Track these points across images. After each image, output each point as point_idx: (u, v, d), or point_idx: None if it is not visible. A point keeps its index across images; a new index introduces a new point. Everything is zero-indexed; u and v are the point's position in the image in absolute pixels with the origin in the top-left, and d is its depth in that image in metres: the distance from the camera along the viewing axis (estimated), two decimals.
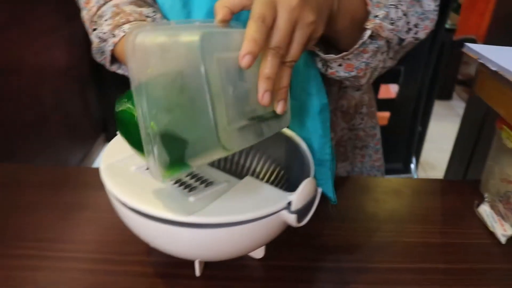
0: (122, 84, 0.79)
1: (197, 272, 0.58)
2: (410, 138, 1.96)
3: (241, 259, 0.62)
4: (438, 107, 2.76)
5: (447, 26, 1.95)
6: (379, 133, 0.98)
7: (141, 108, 0.44)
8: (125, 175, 0.55)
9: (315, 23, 0.51)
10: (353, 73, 0.65)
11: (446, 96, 3.41)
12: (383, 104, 1.71)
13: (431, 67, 1.87)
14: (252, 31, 0.45)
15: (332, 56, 0.63)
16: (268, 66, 0.47)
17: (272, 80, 0.47)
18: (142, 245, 0.64)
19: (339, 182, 0.81)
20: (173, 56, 0.43)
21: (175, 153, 0.44)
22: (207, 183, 0.54)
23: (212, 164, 0.60)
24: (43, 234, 0.66)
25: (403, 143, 1.95)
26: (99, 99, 2.54)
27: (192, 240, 0.50)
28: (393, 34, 0.63)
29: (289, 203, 0.50)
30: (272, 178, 0.64)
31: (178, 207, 0.49)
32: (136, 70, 0.44)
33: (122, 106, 0.50)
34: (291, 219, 0.50)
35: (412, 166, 1.99)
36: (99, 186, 0.73)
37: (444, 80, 2.61)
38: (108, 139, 2.72)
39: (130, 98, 0.50)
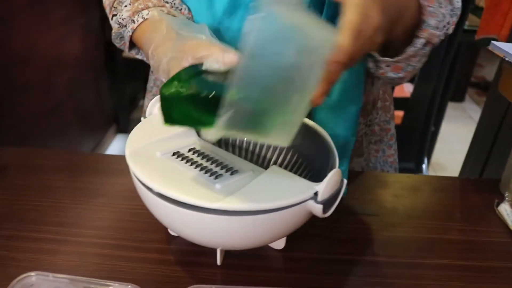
0: (134, 77, 0.79)
1: (219, 261, 0.58)
2: (422, 138, 1.95)
3: (262, 250, 0.62)
4: (450, 109, 2.74)
5: (465, 27, 1.93)
6: (393, 129, 0.97)
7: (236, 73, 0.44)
8: (150, 161, 0.54)
9: (381, 42, 0.53)
10: (400, 75, 0.68)
11: (459, 98, 3.38)
12: (397, 103, 1.69)
13: (446, 68, 1.86)
14: (330, 75, 0.47)
15: (387, 59, 0.66)
16: (334, 75, 0.48)
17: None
18: (161, 233, 0.64)
19: (357, 177, 0.81)
20: (300, 47, 0.44)
21: (241, 123, 0.46)
22: (232, 171, 0.54)
23: (236, 155, 0.60)
24: (61, 219, 0.66)
25: (416, 142, 1.94)
26: (112, 90, 2.55)
27: (218, 227, 0.49)
28: (439, 39, 0.65)
29: (316, 193, 0.50)
30: (295, 169, 0.63)
31: (205, 194, 0.49)
32: (254, 40, 0.43)
33: (170, 88, 0.50)
34: (317, 209, 0.49)
35: (424, 166, 1.98)
36: (115, 173, 0.74)
37: (457, 82, 2.59)
38: (119, 129, 2.72)
39: (179, 80, 0.51)
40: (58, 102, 2.02)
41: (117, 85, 2.55)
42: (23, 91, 1.72)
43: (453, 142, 2.40)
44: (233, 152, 0.68)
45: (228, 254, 0.60)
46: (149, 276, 0.58)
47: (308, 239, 0.65)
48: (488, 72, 3.68)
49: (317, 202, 0.49)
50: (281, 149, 0.67)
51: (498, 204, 0.73)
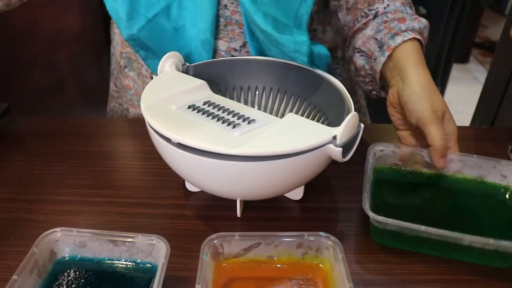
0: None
1: (238, 213, 0.58)
2: None
3: (280, 201, 0.62)
4: (455, 70, 2.71)
5: None
6: None
7: None
8: (166, 114, 0.54)
9: None
10: None
11: (463, 59, 3.35)
12: None
13: (451, 29, 1.84)
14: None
15: None
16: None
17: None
18: (179, 190, 0.64)
19: (376, 130, 0.81)
20: None
21: None
22: (249, 120, 0.54)
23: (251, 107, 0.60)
24: (79, 181, 0.67)
25: None
26: None
27: (238, 174, 0.49)
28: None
29: (335, 137, 0.49)
30: (311, 118, 0.63)
31: (225, 141, 0.49)
32: None
33: None
34: (337, 153, 0.49)
35: None
36: (125, 136, 0.74)
37: (461, 43, 2.56)
38: None
39: None
40: (61, 78, 2.01)
41: None
42: (26, 67, 1.71)
43: (459, 103, 2.38)
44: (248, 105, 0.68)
45: (247, 207, 0.61)
46: (170, 230, 0.58)
47: (326, 189, 0.65)
48: (492, 32, 3.63)
49: (336, 146, 0.49)
50: (295, 101, 0.67)
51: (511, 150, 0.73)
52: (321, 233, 0.47)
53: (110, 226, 0.59)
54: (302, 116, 0.64)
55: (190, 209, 0.61)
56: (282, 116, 0.66)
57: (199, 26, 0.70)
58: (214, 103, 0.58)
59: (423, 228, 0.49)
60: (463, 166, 0.61)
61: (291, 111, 0.67)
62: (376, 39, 0.66)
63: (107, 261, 0.49)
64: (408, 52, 0.63)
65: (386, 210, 0.53)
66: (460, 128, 0.83)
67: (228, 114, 0.55)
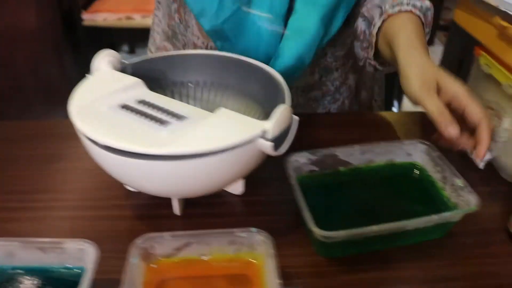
0: (98, 45, 0.77)
1: (177, 211, 0.57)
2: (392, 83, 1.95)
3: (221, 196, 0.61)
4: None
5: None
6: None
7: None
8: (96, 116, 0.53)
9: None
10: None
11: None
12: None
13: None
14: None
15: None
16: None
17: None
18: (119, 190, 0.63)
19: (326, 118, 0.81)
20: None
21: None
22: (179, 117, 0.53)
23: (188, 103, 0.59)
24: (23, 187, 0.65)
25: (386, 88, 1.95)
26: (76, 61, 2.47)
27: (168, 174, 0.49)
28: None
29: (265, 131, 0.49)
30: (247, 111, 0.63)
31: (152, 141, 0.48)
32: None
33: None
34: (268, 147, 0.49)
35: (395, 110, 1.99)
36: (73, 136, 0.72)
37: None
38: None
39: None
40: (20, 78, 1.97)
41: (81, 55, 2.48)
42: None
43: None
44: (186, 101, 0.67)
45: (188, 204, 0.60)
46: (110, 232, 0.57)
47: (267, 182, 0.64)
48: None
49: (267, 140, 0.49)
50: (234, 95, 0.66)
51: None
52: (253, 229, 0.47)
53: (52, 232, 0.57)
54: (242, 110, 0.63)
55: (131, 209, 0.61)
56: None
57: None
58: (148, 101, 0.56)
59: (375, 228, 0.49)
60: (374, 155, 0.63)
61: (231, 105, 0.66)
62: (380, 7, 0.69)
63: (38, 269, 0.48)
64: (404, 23, 0.65)
65: (326, 220, 0.50)
66: (410, 114, 0.85)
67: (161, 112, 0.54)
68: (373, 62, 0.74)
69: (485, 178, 0.67)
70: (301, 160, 0.60)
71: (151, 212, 0.60)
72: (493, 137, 0.56)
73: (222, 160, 0.48)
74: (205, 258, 0.48)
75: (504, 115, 0.65)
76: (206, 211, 0.60)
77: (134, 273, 0.44)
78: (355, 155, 0.62)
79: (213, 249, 0.48)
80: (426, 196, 0.60)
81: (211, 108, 0.66)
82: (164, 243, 0.47)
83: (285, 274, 0.48)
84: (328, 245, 0.51)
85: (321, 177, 0.62)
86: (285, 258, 0.48)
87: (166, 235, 0.46)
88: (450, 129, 0.54)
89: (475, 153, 0.57)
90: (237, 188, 0.60)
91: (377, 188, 0.62)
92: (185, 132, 0.49)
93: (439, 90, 0.57)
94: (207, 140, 0.48)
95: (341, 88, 0.89)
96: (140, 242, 0.45)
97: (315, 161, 0.61)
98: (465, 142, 0.57)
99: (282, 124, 0.50)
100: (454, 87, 0.57)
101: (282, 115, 0.50)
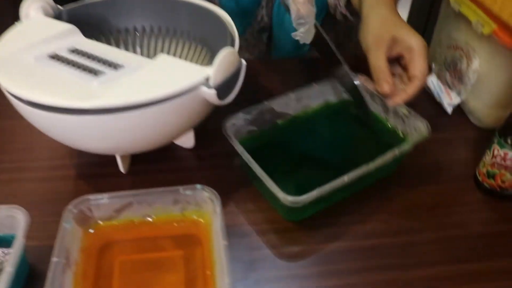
0: None
1: (122, 169, 0.53)
2: None
3: (171, 150, 0.57)
4: None
5: None
6: None
7: None
8: (21, 67, 0.47)
9: None
10: None
11: None
12: None
13: None
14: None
15: None
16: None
17: None
18: (63, 148, 0.58)
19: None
20: None
21: None
22: (115, 66, 0.47)
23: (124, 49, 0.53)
24: None
25: None
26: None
27: (102, 129, 0.44)
28: None
29: (208, 78, 0.44)
30: (194, 57, 0.58)
31: (80, 94, 0.43)
32: None
33: None
34: (211, 95, 0.44)
35: None
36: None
37: None
38: None
39: None
40: None
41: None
42: None
43: None
44: (132, 50, 0.61)
45: (136, 160, 0.56)
46: (51, 194, 0.53)
47: (218, 135, 0.60)
48: None
49: (209, 87, 0.44)
50: (183, 39, 0.61)
51: None
52: (198, 186, 0.43)
53: None
54: (191, 57, 0.58)
55: (74, 168, 0.56)
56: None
57: None
58: (82, 50, 0.51)
59: (346, 178, 0.46)
60: (309, 99, 0.61)
61: (179, 52, 0.61)
62: None
63: None
64: None
65: (284, 183, 0.46)
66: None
67: (95, 61, 0.49)
68: (343, 10, 0.70)
69: (454, 124, 0.65)
70: (238, 122, 0.55)
71: (97, 170, 0.56)
72: (461, 79, 0.54)
73: (160, 111, 0.43)
74: (149, 219, 0.45)
75: (474, 56, 0.62)
76: (156, 167, 0.56)
77: (68, 239, 0.40)
78: (291, 104, 0.59)
79: (157, 209, 0.44)
80: (371, 131, 0.59)
81: (149, 52, 0.61)
82: (101, 205, 0.43)
83: (243, 232, 0.45)
84: (298, 210, 0.47)
85: (261, 137, 0.58)
86: (240, 215, 0.45)
87: (103, 196, 0.42)
88: (384, 86, 0.55)
89: (389, 98, 0.56)
90: (188, 141, 0.56)
91: (320, 134, 0.60)
92: (118, 83, 0.44)
93: (394, 42, 0.56)
94: (141, 91, 0.43)
95: None
96: (72, 206, 0.41)
97: (252, 120, 0.56)
98: (395, 100, 0.57)
99: (227, 69, 0.45)
100: (410, 40, 0.55)
101: (226, 59, 0.45)
